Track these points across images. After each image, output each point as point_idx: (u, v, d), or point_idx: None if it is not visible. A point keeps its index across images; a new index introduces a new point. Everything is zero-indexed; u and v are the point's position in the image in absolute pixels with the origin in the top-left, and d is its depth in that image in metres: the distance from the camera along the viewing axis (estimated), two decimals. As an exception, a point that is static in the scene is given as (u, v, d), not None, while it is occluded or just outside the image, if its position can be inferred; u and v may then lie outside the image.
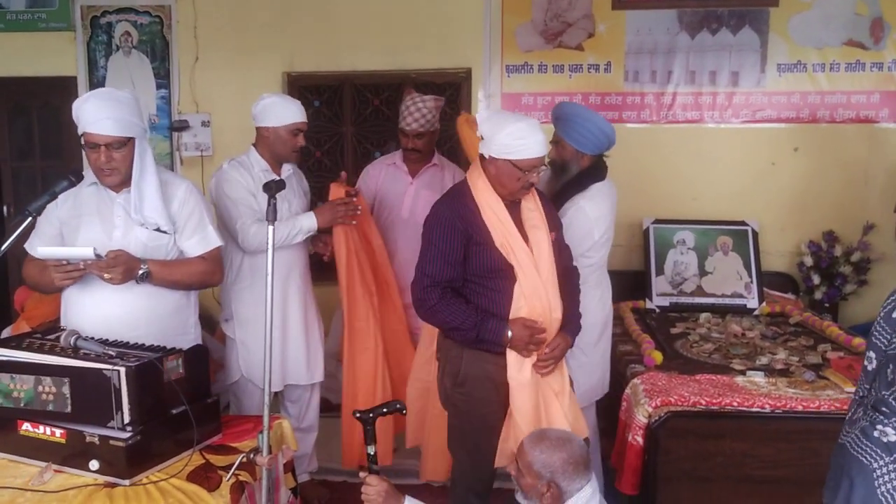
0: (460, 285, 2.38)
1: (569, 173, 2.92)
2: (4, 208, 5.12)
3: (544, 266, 2.37)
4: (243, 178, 2.97)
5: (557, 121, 2.96)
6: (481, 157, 2.40)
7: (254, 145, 3.07)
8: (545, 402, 2.38)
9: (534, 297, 2.34)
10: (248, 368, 3.06)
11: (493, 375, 2.36)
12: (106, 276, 2.26)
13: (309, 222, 2.96)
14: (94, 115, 2.32)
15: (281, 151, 3.02)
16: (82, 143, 2.37)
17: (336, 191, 3.09)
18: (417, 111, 3.33)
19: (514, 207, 2.40)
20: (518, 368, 2.33)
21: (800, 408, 2.65)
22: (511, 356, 2.33)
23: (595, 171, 2.96)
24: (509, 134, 2.29)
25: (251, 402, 3.09)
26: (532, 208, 2.44)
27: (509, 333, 2.30)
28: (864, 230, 4.44)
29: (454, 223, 2.34)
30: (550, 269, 2.39)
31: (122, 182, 2.40)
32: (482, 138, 2.38)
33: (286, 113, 2.99)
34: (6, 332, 3.81)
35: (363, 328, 3.12)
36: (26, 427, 2.04)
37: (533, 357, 2.35)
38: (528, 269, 2.34)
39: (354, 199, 3.09)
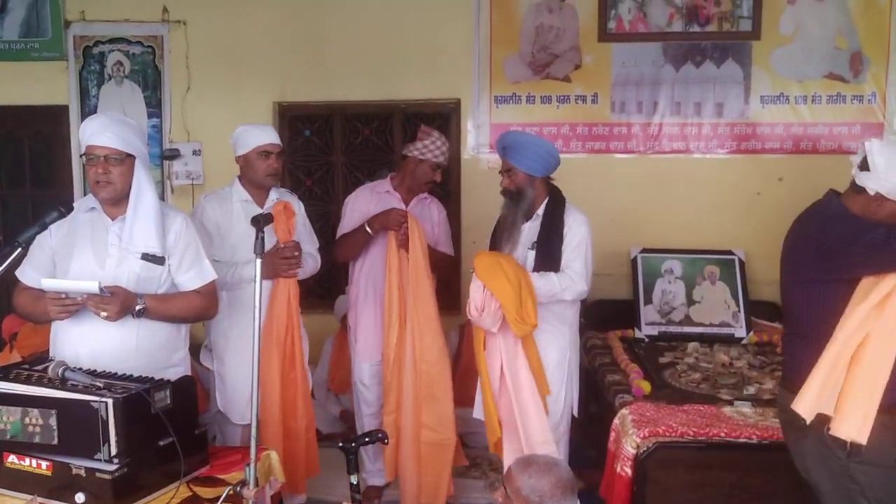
0: None
1: (525, 199, 3.03)
2: (-6, 236, 5.12)
3: None
4: (214, 211, 3.02)
5: (507, 150, 3.05)
6: (861, 190, 2.15)
7: (238, 177, 3.11)
8: None
9: None
10: (223, 401, 3.06)
11: None
12: (103, 313, 2.26)
13: (250, 273, 2.88)
14: (98, 129, 2.36)
15: (254, 177, 3.06)
16: (83, 162, 2.39)
17: (279, 218, 2.96)
18: (442, 145, 3.43)
19: None
20: None
21: (786, 438, 2.66)
22: None
23: (558, 190, 3.13)
24: None
25: (231, 432, 3.08)
26: None
27: None
28: (848, 259, 4.48)
29: None
30: None
31: (116, 201, 2.40)
32: (867, 169, 2.11)
33: (251, 137, 3.04)
34: (-7, 362, 3.78)
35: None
36: (12, 459, 2.02)
37: None
38: None
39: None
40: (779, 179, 4.62)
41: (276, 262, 2.93)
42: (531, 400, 2.83)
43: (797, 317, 2.22)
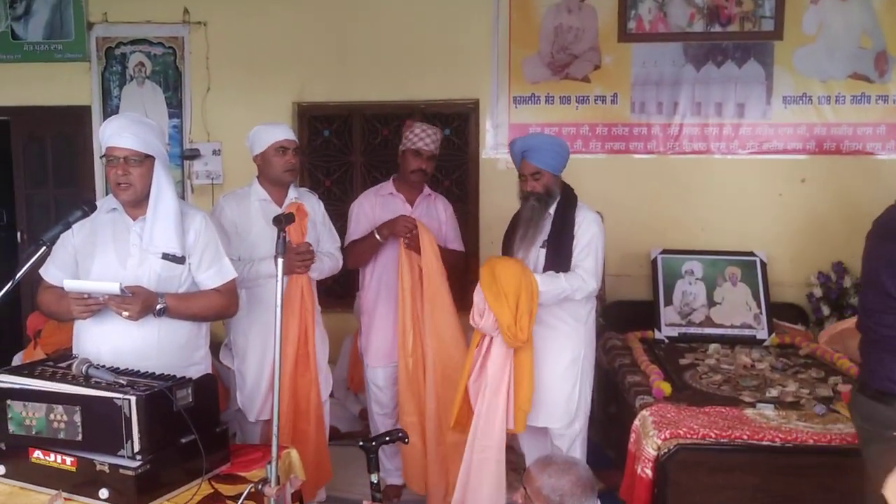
0: None
1: (553, 198, 3.04)
2: (18, 235, 5.18)
3: None
4: (232, 211, 3.03)
5: (529, 153, 3.02)
6: None
7: (257, 177, 3.13)
8: None
9: None
10: (242, 399, 3.08)
11: None
12: (124, 313, 2.28)
13: (268, 269, 2.94)
14: (117, 130, 2.37)
15: (273, 174, 3.06)
16: (104, 163, 2.41)
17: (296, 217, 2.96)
18: (432, 133, 3.41)
19: None
20: None
21: (811, 441, 2.63)
22: None
23: (569, 188, 3.13)
24: None
25: (252, 430, 3.09)
26: None
27: None
28: (872, 261, 4.43)
29: None
30: None
31: (137, 202, 2.42)
32: None
33: (267, 135, 3.05)
34: (18, 359, 3.83)
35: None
36: (38, 455, 2.04)
37: None
38: None
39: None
40: (801, 181, 4.58)
41: (291, 259, 2.93)
42: (499, 406, 2.84)
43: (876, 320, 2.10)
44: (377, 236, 3.30)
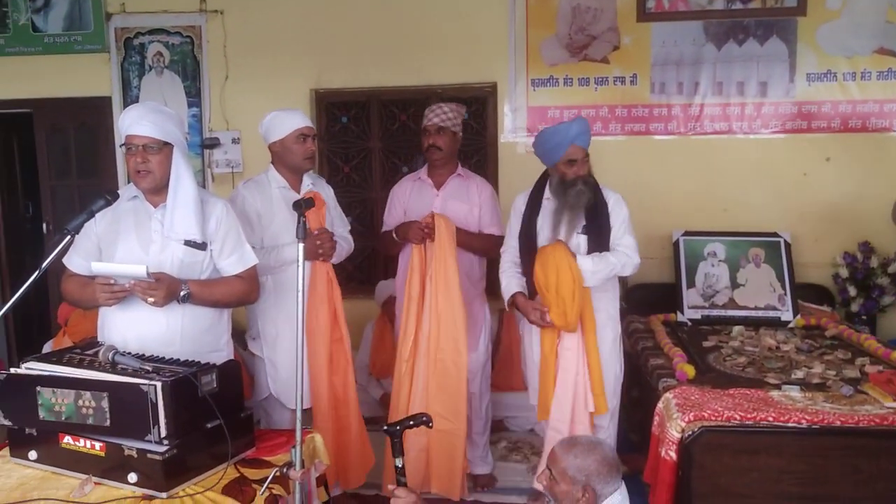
0: None
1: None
2: (44, 226, 5.25)
3: None
4: (254, 199, 3.02)
5: (583, 136, 2.99)
6: None
7: (272, 163, 3.12)
8: None
9: None
10: (275, 387, 3.08)
11: None
12: (149, 299, 2.30)
13: (291, 254, 2.88)
14: (136, 118, 2.39)
15: (293, 161, 3.04)
16: (124, 152, 2.43)
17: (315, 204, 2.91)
18: (438, 109, 3.39)
19: None
20: None
21: (838, 423, 2.59)
22: None
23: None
24: None
25: (281, 418, 3.11)
26: None
27: None
28: (900, 240, 4.36)
29: None
30: None
31: (157, 190, 2.44)
32: None
33: (287, 122, 3.02)
34: (48, 347, 3.89)
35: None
36: (67, 440, 2.08)
37: None
38: None
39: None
40: (826, 159, 4.50)
41: (312, 244, 2.93)
42: (576, 390, 2.94)
43: None
44: (395, 236, 3.31)
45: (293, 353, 3.01)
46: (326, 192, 3.20)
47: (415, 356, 3.17)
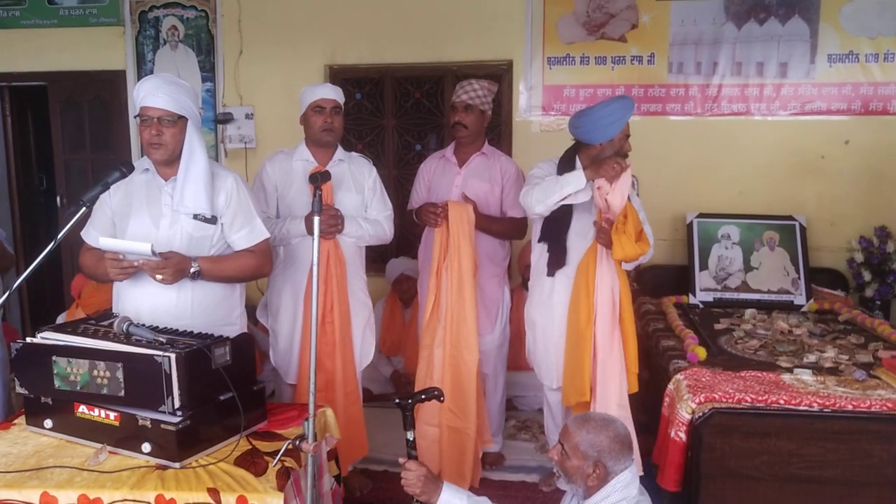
0: None
1: None
2: (58, 199, 5.28)
3: None
4: (274, 170, 3.04)
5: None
6: None
7: (305, 139, 3.12)
8: None
9: None
10: (275, 358, 3.11)
11: None
12: (158, 276, 2.31)
13: (297, 228, 2.94)
14: (151, 90, 2.38)
15: (312, 134, 3.04)
16: (138, 123, 2.43)
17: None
18: (468, 85, 3.33)
19: None
20: None
21: (850, 407, 2.58)
22: None
23: None
24: None
25: (286, 391, 3.13)
26: None
27: None
28: (918, 226, 4.31)
29: None
30: None
31: (169, 162, 2.44)
32: None
33: (306, 95, 3.04)
34: (61, 319, 3.94)
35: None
36: (82, 409, 2.10)
37: None
38: None
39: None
40: (845, 142, 4.44)
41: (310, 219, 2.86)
42: (613, 369, 2.89)
43: None
44: (415, 218, 3.31)
45: (292, 327, 3.04)
46: (366, 172, 3.11)
47: (432, 346, 3.15)
